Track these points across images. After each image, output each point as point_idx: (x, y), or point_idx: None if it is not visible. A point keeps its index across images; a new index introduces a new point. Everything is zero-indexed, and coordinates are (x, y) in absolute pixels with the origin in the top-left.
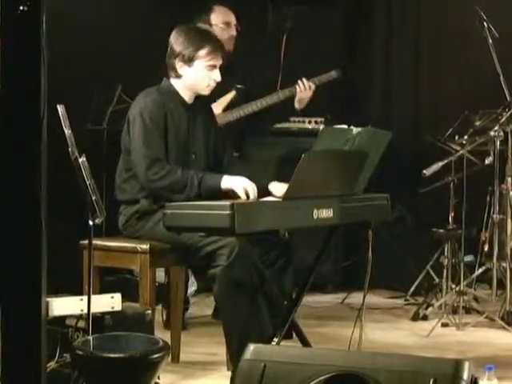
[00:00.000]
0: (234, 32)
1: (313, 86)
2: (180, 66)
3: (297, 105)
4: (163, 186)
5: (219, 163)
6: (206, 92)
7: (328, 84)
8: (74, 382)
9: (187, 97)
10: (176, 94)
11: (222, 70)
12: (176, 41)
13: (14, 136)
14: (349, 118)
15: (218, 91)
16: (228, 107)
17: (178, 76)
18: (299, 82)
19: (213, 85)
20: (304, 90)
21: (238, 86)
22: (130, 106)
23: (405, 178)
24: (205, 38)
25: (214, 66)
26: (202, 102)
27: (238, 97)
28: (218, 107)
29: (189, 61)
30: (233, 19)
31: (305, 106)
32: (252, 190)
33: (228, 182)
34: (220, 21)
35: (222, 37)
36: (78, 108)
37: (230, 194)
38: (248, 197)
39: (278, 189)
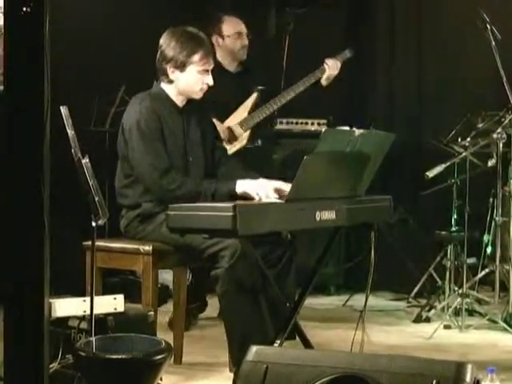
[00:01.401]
0: (246, 41)
1: (339, 64)
2: (172, 72)
3: (325, 82)
4: (179, 195)
5: (215, 165)
6: (198, 96)
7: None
8: (76, 383)
9: (179, 101)
10: (167, 98)
11: (240, 78)
12: (168, 45)
13: (18, 137)
14: (351, 119)
15: (241, 95)
16: (252, 109)
17: (170, 81)
18: (326, 61)
19: (205, 88)
20: (332, 67)
21: (259, 88)
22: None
23: (407, 179)
24: (197, 43)
25: (207, 71)
26: (196, 104)
27: (259, 98)
28: (243, 112)
29: (182, 66)
30: (244, 29)
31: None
32: (264, 192)
33: (242, 186)
34: (232, 32)
35: (235, 47)
36: (80, 109)
37: (245, 198)
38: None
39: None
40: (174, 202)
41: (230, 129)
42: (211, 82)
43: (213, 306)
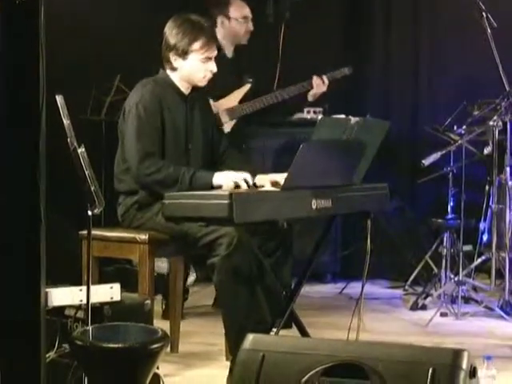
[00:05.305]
0: (251, 27)
1: (327, 81)
2: (174, 60)
3: (310, 98)
4: (154, 180)
5: (216, 154)
6: (202, 83)
7: (339, 80)
8: (73, 372)
9: (184, 88)
10: (173, 84)
11: (235, 63)
12: (170, 33)
13: (13, 126)
14: (347, 107)
15: (231, 81)
16: (243, 100)
17: (174, 69)
18: (314, 77)
19: (209, 76)
20: (319, 84)
21: (250, 80)
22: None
23: (403, 167)
24: (198, 31)
25: (209, 58)
26: (200, 93)
27: (251, 90)
28: (234, 100)
29: (183, 54)
30: (250, 14)
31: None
32: (242, 181)
33: (218, 178)
34: (239, 15)
35: (240, 31)
36: (76, 98)
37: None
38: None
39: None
40: (151, 186)
41: (217, 114)
42: (215, 69)
43: (208, 295)
